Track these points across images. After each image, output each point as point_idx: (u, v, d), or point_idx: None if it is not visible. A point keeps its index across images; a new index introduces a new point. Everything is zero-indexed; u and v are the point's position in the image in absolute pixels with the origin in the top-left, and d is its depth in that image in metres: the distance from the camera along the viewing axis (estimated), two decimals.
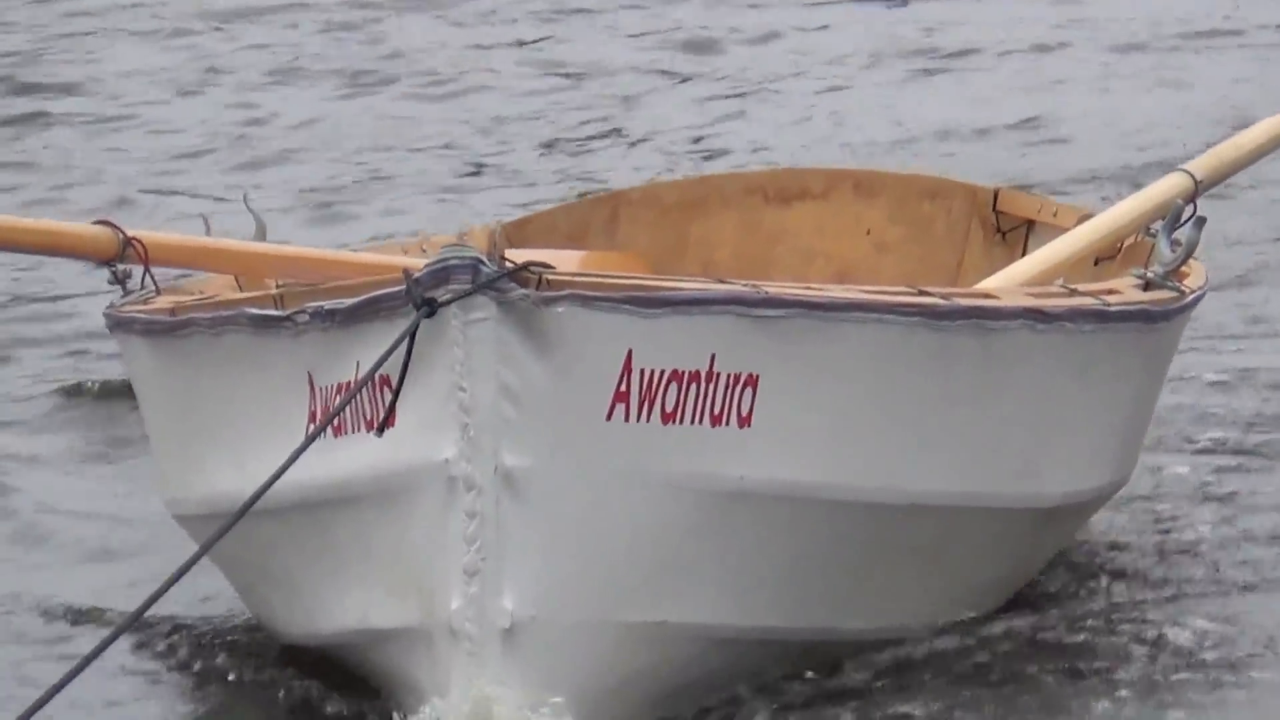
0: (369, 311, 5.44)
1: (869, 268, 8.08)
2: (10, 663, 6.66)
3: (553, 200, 11.01)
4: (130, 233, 6.90)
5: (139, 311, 6.62)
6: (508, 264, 5.32)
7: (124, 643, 6.36)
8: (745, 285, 5.77)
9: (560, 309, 5.33)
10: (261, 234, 7.63)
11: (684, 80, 17.67)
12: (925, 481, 5.90)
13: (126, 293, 6.83)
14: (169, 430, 6.73)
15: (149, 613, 5.23)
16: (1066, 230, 7.39)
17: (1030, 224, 7.98)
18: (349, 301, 5.58)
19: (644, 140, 15.24)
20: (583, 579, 5.49)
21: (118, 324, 6.72)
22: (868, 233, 8.23)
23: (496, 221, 8.56)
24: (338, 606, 5.70)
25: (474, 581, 5.29)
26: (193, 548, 5.88)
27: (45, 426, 9.39)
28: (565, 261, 7.33)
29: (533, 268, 5.31)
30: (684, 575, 5.59)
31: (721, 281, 5.99)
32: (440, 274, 5.25)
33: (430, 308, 5.23)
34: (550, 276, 5.35)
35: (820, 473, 5.66)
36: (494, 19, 20.80)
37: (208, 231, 7.48)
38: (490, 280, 5.27)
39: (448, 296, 5.24)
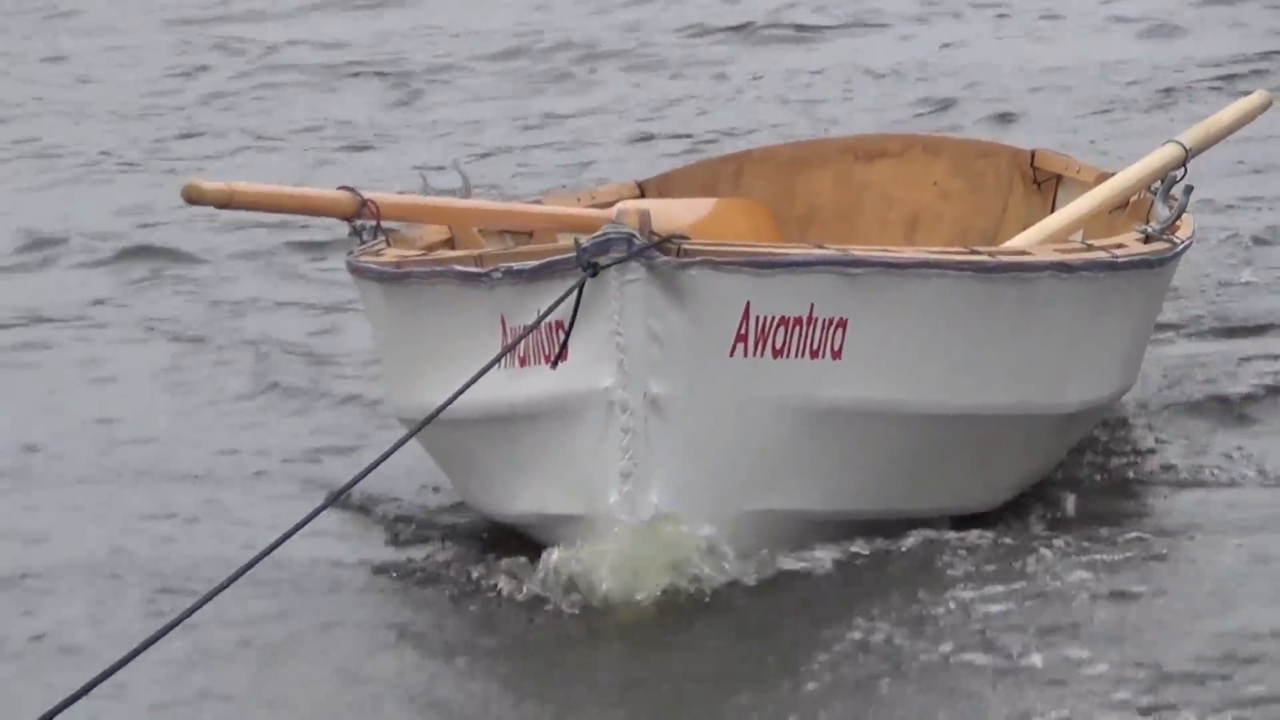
0: (547, 272, 6.41)
1: (934, 213, 9.10)
2: (235, 522, 7.66)
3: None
4: (366, 194, 7.83)
5: (373, 261, 7.65)
6: (654, 237, 6.25)
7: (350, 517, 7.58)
8: (836, 249, 6.79)
9: (694, 272, 6.28)
10: (467, 191, 8.50)
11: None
12: (975, 396, 6.92)
13: (362, 243, 7.79)
14: (394, 354, 7.80)
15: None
16: (1087, 184, 8.46)
17: (1059, 178, 8.96)
18: (533, 264, 6.56)
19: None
20: (710, 479, 6.44)
21: (355, 270, 7.77)
22: (934, 184, 9.18)
23: (634, 181, 9.60)
24: (522, 496, 6.71)
25: (627, 482, 6.27)
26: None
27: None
28: (703, 207, 8.88)
29: (673, 240, 6.27)
30: (787, 474, 6.58)
31: (819, 246, 7.00)
32: (602, 245, 6.19)
33: (594, 270, 6.19)
34: (686, 246, 6.30)
35: (896, 392, 6.66)
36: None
37: (425, 190, 8.31)
38: (640, 250, 6.20)
39: (608, 262, 6.19)
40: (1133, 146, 11.34)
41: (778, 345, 6.44)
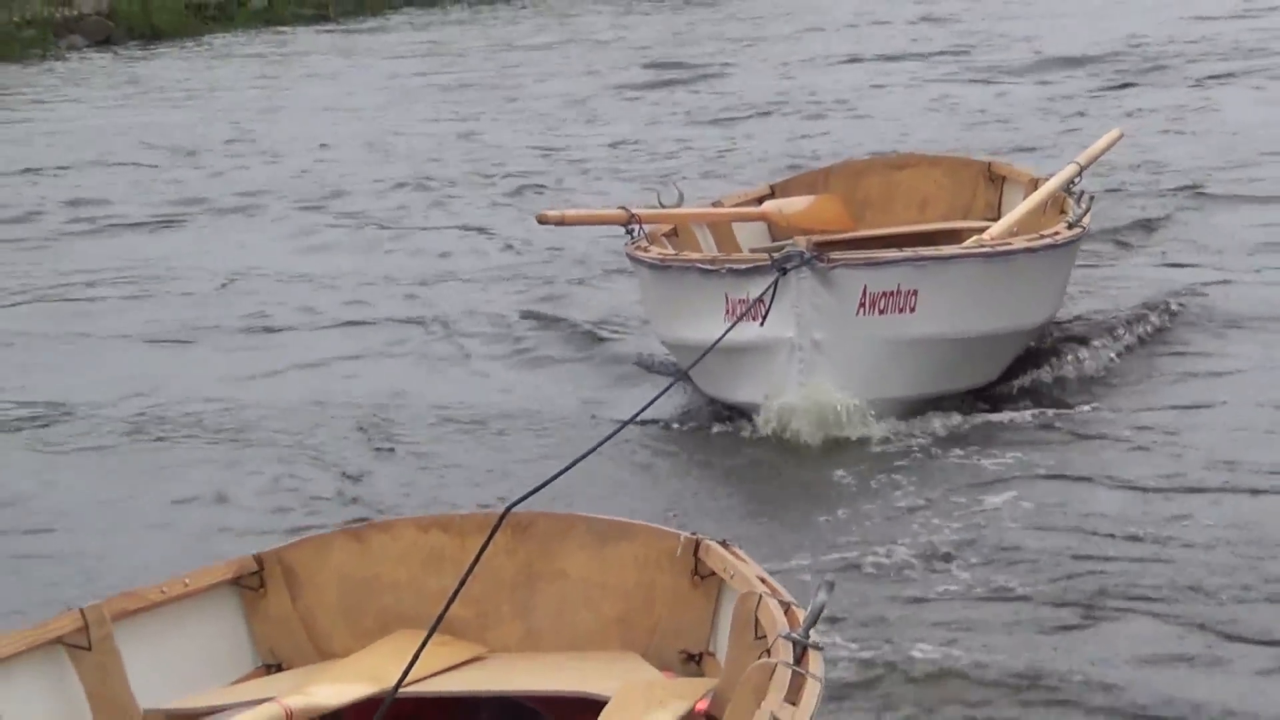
0: (755, 271, 8.36)
1: (935, 198, 10.97)
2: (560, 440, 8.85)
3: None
4: (633, 210, 9.59)
5: (642, 253, 9.37)
6: (814, 251, 8.16)
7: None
8: (910, 253, 8.68)
9: (836, 270, 8.24)
10: (680, 200, 10.13)
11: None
12: (987, 325, 8.89)
13: (633, 240, 9.46)
14: (657, 308, 9.56)
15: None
16: (1021, 182, 10.54)
17: (1004, 178, 10.90)
18: (746, 265, 8.57)
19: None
20: (845, 383, 8.33)
21: (633, 259, 9.52)
22: (935, 182, 11.08)
23: (768, 184, 11.51)
24: (741, 389, 8.55)
25: (803, 388, 8.33)
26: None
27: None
28: (804, 203, 10.74)
29: (823, 253, 8.19)
30: (885, 377, 8.43)
31: (900, 249, 8.88)
32: (785, 257, 8.14)
33: (784, 271, 8.10)
34: (832, 255, 8.23)
35: (944, 328, 8.56)
36: None
37: (680, 201, 10.03)
38: (807, 260, 8.11)
39: (790, 267, 8.11)
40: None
41: (881, 308, 8.31)
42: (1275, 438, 8.37)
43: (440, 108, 19.62)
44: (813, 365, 8.25)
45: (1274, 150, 14.40)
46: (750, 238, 10.51)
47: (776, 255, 8.19)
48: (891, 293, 8.35)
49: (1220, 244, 12.01)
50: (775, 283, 8.06)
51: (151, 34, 24.59)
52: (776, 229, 10.34)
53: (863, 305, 8.29)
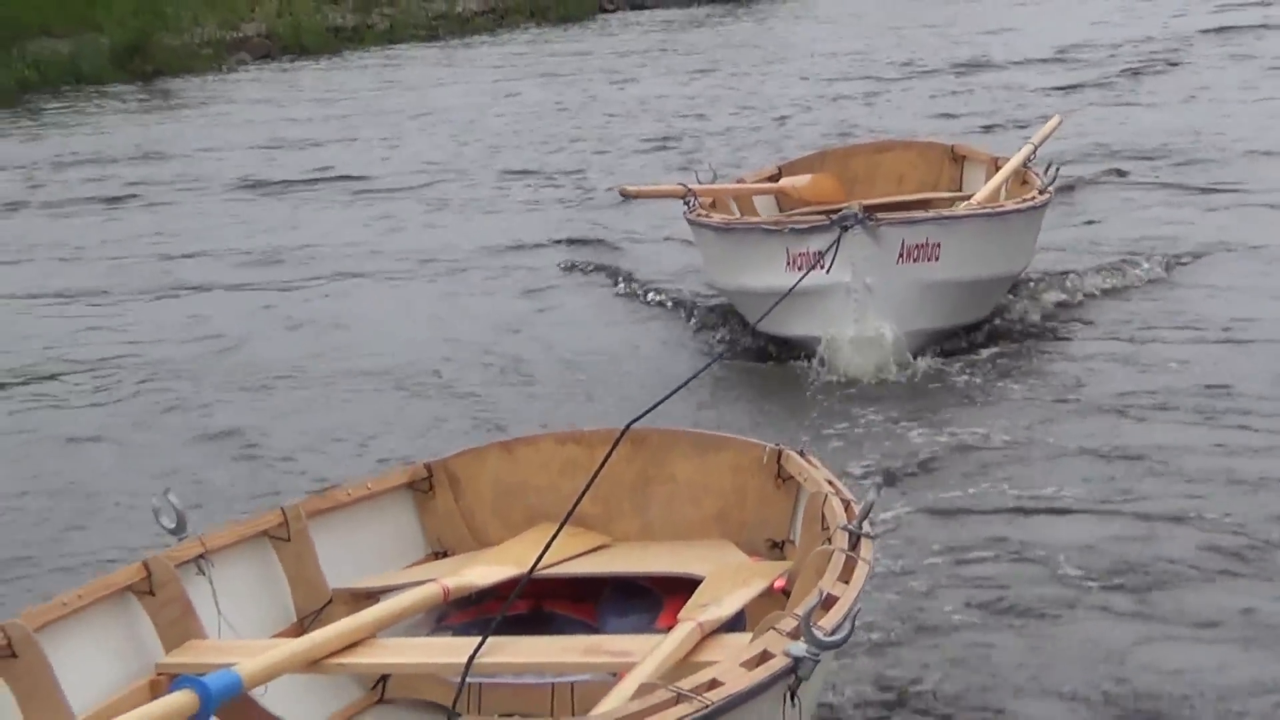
0: (817, 229, 8.09)
1: (909, 175, 10.47)
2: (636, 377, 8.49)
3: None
4: (691, 185, 9.46)
5: (703, 218, 9.11)
6: (865, 213, 7.91)
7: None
8: (934, 213, 8.59)
9: (882, 227, 7.97)
10: (714, 177, 9.96)
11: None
12: (989, 270, 8.61)
13: (690, 208, 9.21)
14: (718, 264, 9.11)
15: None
16: (982, 161, 10.23)
17: (965, 158, 10.52)
18: (806, 225, 8.26)
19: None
20: (892, 318, 8.08)
21: (694, 223, 9.19)
22: (909, 162, 10.62)
23: (776, 165, 11.04)
24: (800, 325, 8.15)
25: (858, 322, 8.08)
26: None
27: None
28: (806, 180, 10.32)
29: (873, 215, 7.93)
30: (921, 312, 8.17)
31: (926, 207, 8.88)
32: (845, 217, 7.88)
33: (844, 228, 7.86)
34: (879, 216, 8.00)
35: (960, 273, 8.29)
36: None
37: (714, 179, 9.92)
38: (861, 220, 7.87)
39: (848, 225, 7.88)
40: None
41: (915, 257, 8.08)
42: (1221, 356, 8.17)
43: (528, 102, 19.30)
44: (865, 304, 8.00)
45: (1181, 136, 14.08)
46: (764, 208, 10.22)
47: (834, 217, 7.96)
48: (922, 244, 8.09)
49: (1139, 206, 11.71)
50: (839, 238, 7.80)
51: (300, 50, 24.29)
52: (785, 200, 10.06)
53: (901, 255, 8.04)
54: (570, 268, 11.08)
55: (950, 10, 26.35)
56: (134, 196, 14.60)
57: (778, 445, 5.03)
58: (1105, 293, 9.45)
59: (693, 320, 9.52)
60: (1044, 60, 19.59)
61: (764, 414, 7.86)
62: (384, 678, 4.53)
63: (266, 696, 4.17)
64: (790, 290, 7.40)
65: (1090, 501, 6.33)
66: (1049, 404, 7.65)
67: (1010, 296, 9.18)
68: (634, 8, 29.71)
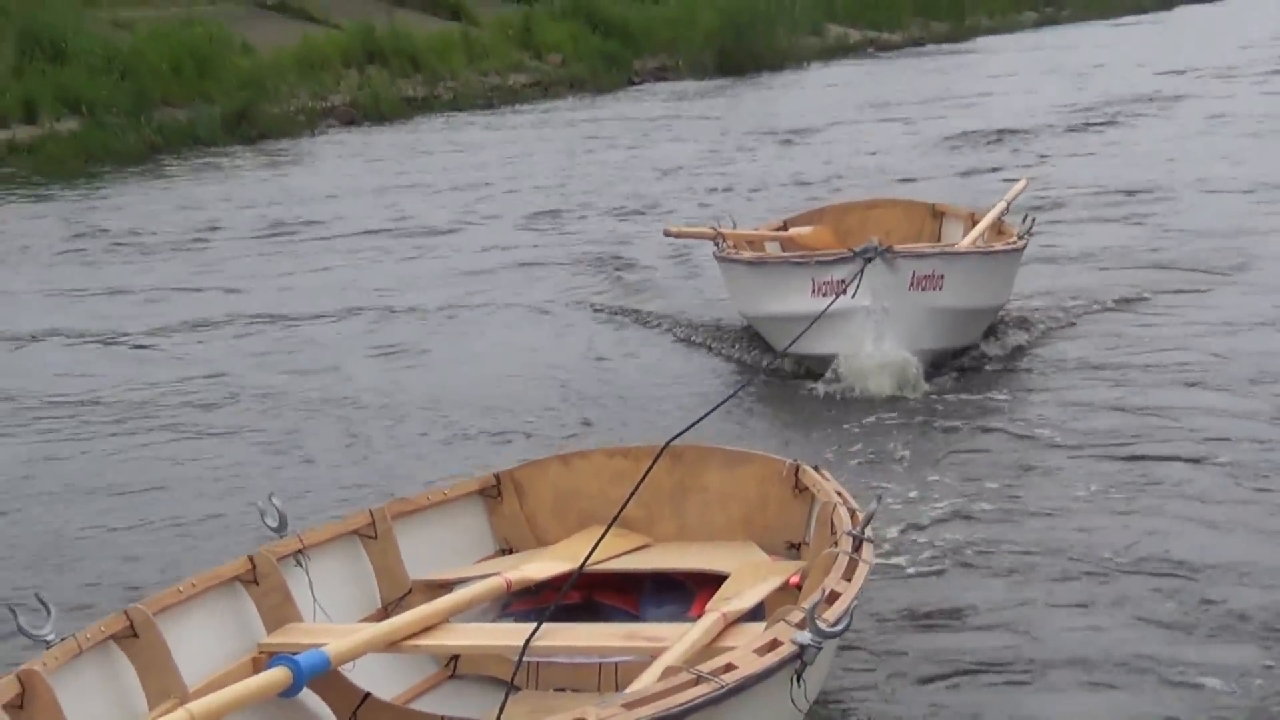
0: (841, 260, 7.75)
1: (895, 230, 9.85)
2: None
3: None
4: (718, 229, 9.21)
5: (734, 255, 8.88)
6: (884, 247, 7.59)
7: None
8: (942, 248, 8.40)
9: (899, 260, 7.66)
10: (734, 224, 9.72)
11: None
12: (983, 301, 8.38)
13: (720, 248, 8.97)
14: (746, 294, 8.73)
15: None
16: (959, 216, 9.93)
17: (944, 213, 10.21)
18: (832, 258, 7.91)
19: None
20: (905, 339, 7.72)
21: (723, 259, 8.93)
22: (895, 216, 10.19)
23: (782, 220, 10.63)
24: (824, 344, 7.62)
25: (877, 341, 7.73)
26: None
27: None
28: (809, 230, 9.86)
29: (890, 249, 7.61)
30: (929, 332, 7.83)
31: (934, 244, 8.71)
32: (867, 250, 7.55)
33: (866, 260, 7.54)
34: (896, 248, 7.70)
35: (959, 302, 7.98)
36: None
37: (734, 225, 9.67)
38: (881, 253, 7.55)
39: (869, 257, 7.55)
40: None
41: (923, 286, 7.75)
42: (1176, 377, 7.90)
43: (577, 160, 18.90)
44: (882, 326, 7.72)
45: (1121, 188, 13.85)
46: (772, 251, 9.78)
47: (857, 250, 7.68)
48: (929, 275, 7.80)
49: (1092, 249, 11.31)
50: (862, 268, 7.55)
51: (379, 117, 24.13)
52: (791, 246, 9.61)
53: (912, 284, 7.77)
54: (613, 308, 10.60)
55: (921, 81, 26.36)
56: (260, 237, 14.37)
57: (796, 461, 4.92)
58: (1070, 324, 9.20)
59: (722, 348, 9.15)
60: (1025, 123, 19.17)
61: (789, 429, 7.52)
62: (455, 657, 4.47)
63: (354, 672, 4.12)
64: (823, 313, 7.08)
65: (1073, 502, 6.11)
66: (1029, 421, 7.37)
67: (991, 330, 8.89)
68: (658, 80, 29.33)
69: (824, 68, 29.87)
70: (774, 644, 3.35)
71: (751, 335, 9.02)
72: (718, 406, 4.93)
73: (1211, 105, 19.92)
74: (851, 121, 20.90)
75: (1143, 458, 6.56)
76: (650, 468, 4.15)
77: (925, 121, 20.34)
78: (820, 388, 7.94)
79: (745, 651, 3.29)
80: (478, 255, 12.90)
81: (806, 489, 4.78)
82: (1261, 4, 37.48)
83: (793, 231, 9.92)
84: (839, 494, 4.55)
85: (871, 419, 7.49)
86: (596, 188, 16.28)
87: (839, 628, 3.49)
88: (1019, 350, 8.68)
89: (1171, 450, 6.61)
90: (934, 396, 7.83)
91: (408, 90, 25.38)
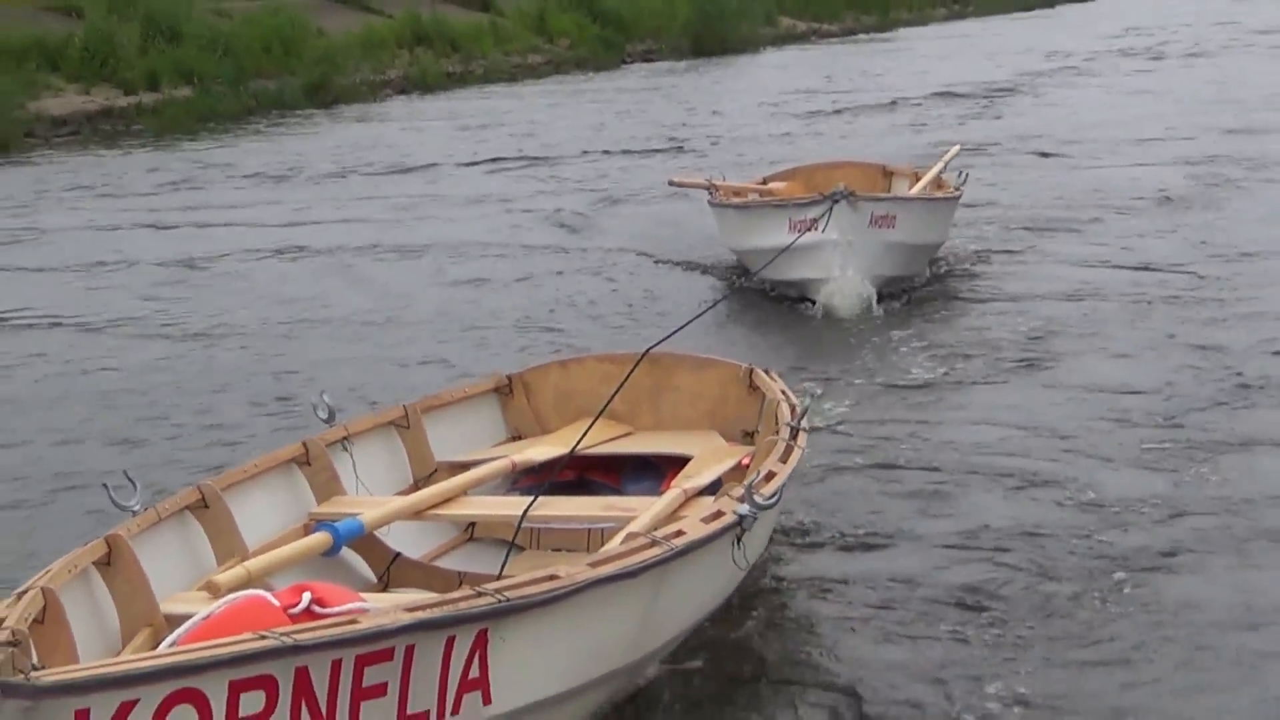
0: (814, 202, 7.32)
1: (857, 182, 8.59)
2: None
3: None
4: (711, 181, 8.79)
5: (729, 201, 8.36)
6: (850, 191, 7.20)
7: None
8: (892, 194, 7.96)
9: (861, 203, 7.27)
10: (723, 176, 9.12)
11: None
12: (925, 238, 7.92)
13: (711, 195, 8.50)
14: (732, 232, 8.24)
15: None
16: (905, 174, 9.09)
17: (893, 172, 9.39)
18: (807, 200, 7.47)
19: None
20: (866, 266, 7.35)
21: (716, 205, 8.39)
22: (856, 176, 9.12)
23: (761, 176, 9.75)
24: (796, 271, 7.34)
25: (843, 267, 7.32)
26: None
27: None
28: (784, 184, 9.19)
29: (855, 193, 7.20)
30: (883, 263, 7.45)
31: (880, 195, 7.91)
32: (836, 194, 7.17)
33: (834, 202, 7.15)
34: (858, 193, 7.26)
35: (911, 238, 7.62)
36: None
37: (724, 179, 9.09)
38: (846, 196, 7.16)
39: (838, 199, 7.15)
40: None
41: (880, 224, 7.35)
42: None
43: (582, 121, 17.94)
44: (847, 256, 7.29)
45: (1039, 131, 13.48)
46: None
47: (827, 194, 7.27)
48: (884, 216, 7.43)
49: (1003, 196, 10.68)
50: (830, 208, 7.15)
51: (426, 88, 23.27)
52: (768, 196, 8.87)
53: (871, 222, 7.36)
54: (615, 246, 9.77)
55: (853, 62, 25.48)
56: (340, 176, 13.81)
57: (750, 365, 4.72)
58: (992, 259, 8.64)
59: (708, 275, 8.62)
60: (946, 95, 18.31)
61: (766, 339, 7.14)
62: (472, 524, 4.32)
63: (388, 536, 3.98)
64: (790, 246, 6.84)
65: (978, 390, 5.91)
66: (958, 339, 6.90)
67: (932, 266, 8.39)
68: (645, 60, 28.56)
69: (777, 51, 29.17)
70: (718, 514, 3.27)
71: (733, 265, 8.55)
72: (690, 322, 4.66)
73: (1087, 79, 19.88)
74: (801, 92, 20.19)
75: (1035, 361, 6.32)
76: (631, 371, 4.06)
77: (859, 93, 19.74)
78: (797, 309, 7.57)
79: (694, 520, 3.21)
80: (506, 194, 12.20)
81: (758, 388, 4.58)
82: (1124, 5, 37.35)
83: (771, 185, 9.40)
84: (783, 392, 4.38)
85: (832, 333, 7.15)
86: (598, 143, 15.53)
87: (772, 501, 3.37)
88: (951, 280, 8.19)
89: (1058, 349, 6.40)
90: (879, 319, 7.40)
91: (448, 67, 24.80)
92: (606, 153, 14.70)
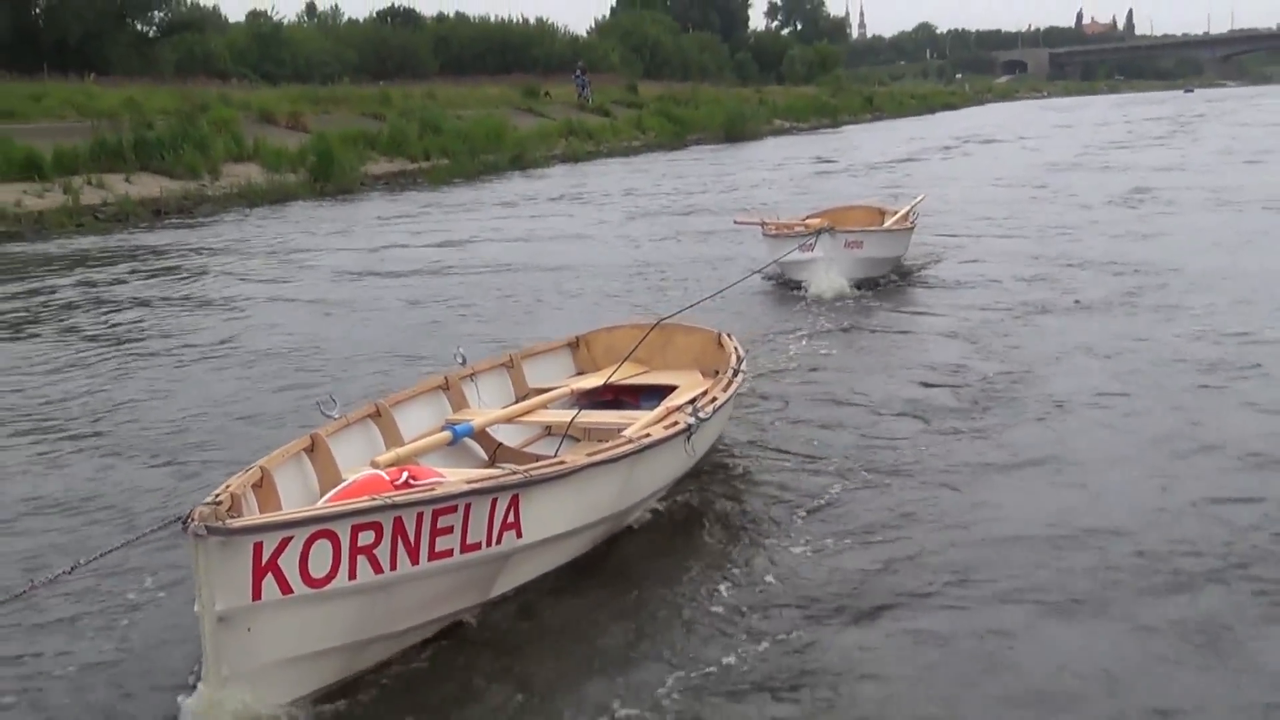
0: (810, 234, 6.14)
1: (862, 221, 7.18)
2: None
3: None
4: (763, 219, 6.93)
5: (771, 233, 6.59)
6: (832, 228, 6.10)
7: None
8: (861, 228, 6.39)
9: (838, 233, 6.07)
10: (776, 217, 7.38)
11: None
12: (888, 253, 6.38)
13: (763, 228, 6.74)
14: (771, 250, 6.45)
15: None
16: (893, 213, 7.25)
17: (884, 213, 7.43)
18: (807, 232, 6.20)
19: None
20: (843, 274, 5.98)
21: (767, 234, 6.61)
22: (863, 213, 7.58)
23: (806, 214, 7.78)
24: (801, 275, 6.18)
25: (826, 274, 6.03)
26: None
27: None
28: (821, 215, 7.28)
29: (837, 228, 6.10)
30: (856, 270, 6.07)
31: (855, 228, 6.44)
32: (823, 230, 6.06)
33: (820, 233, 6.05)
34: (836, 228, 6.11)
35: (874, 254, 6.16)
36: None
37: (777, 217, 7.30)
38: (829, 230, 6.09)
39: (823, 232, 6.07)
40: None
41: (852, 247, 6.11)
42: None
43: (664, 179, 16.03)
44: (830, 267, 6.13)
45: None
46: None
47: (817, 230, 6.19)
48: (854, 241, 6.25)
49: (944, 222, 8.89)
50: (818, 237, 6.12)
51: (575, 160, 20.98)
52: (809, 228, 6.96)
53: (846, 245, 6.19)
54: (689, 255, 7.84)
55: (825, 143, 23.43)
56: (534, 202, 12.40)
57: (719, 330, 3.99)
58: (937, 262, 7.10)
59: (749, 278, 6.75)
60: (876, 161, 16.14)
61: (771, 311, 5.81)
62: (548, 426, 3.59)
63: (497, 433, 3.45)
64: (788, 256, 6.09)
65: (917, 367, 4.49)
66: (906, 321, 5.47)
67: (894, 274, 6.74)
68: (698, 145, 26.55)
69: (774, 138, 27.83)
70: (674, 423, 2.94)
71: (750, 265, 6.69)
72: (702, 300, 4.12)
73: (972, 152, 18.21)
74: (791, 160, 18.75)
75: (957, 328, 5.16)
76: (647, 334, 3.73)
77: (824, 161, 18.07)
78: (796, 294, 6.26)
79: (658, 427, 2.92)
80: (620, 222, 10.10)
81: (723, 345, 3.90)
82: (976, 116, 35.32)
83: (808, 220, 7.28)
84: (736, 347, 3.77)
85: (816, 307, 5.86)
86: (675, 193, 13.21)
87: (706, 415, 2.99)
88: (909, 279, 6.66)
89: (993, 331, 5.08)
90: (851, 302, 6.03)
91: (587, 148, 23.64)
92: (675, 190, 13.31)
